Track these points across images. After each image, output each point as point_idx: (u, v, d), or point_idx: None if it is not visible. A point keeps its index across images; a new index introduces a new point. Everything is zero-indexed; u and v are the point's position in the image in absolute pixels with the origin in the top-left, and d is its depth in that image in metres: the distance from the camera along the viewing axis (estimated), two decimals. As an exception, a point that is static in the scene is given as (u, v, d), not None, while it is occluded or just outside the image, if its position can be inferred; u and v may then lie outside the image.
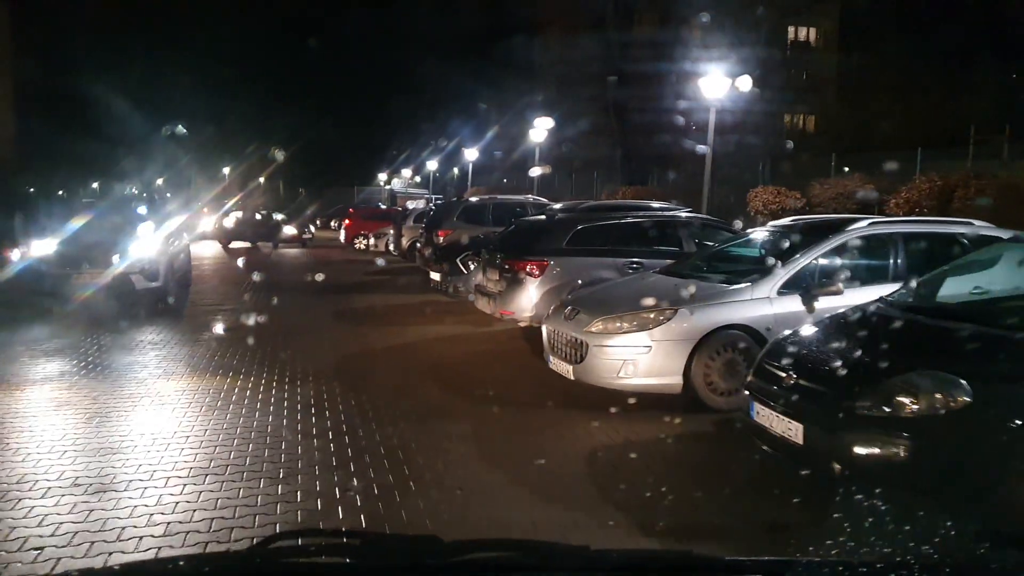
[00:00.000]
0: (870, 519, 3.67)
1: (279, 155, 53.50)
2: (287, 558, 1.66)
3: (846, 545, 3.44)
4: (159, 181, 52.60)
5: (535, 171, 28.50)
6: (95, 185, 46.88)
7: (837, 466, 3.91)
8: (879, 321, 4.59)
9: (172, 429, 5.93)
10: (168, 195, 45.66)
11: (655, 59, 32.84)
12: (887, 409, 3.80)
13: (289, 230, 29.37)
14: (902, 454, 3.69)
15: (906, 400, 3.77)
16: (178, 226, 14.75)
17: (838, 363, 4.22)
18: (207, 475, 4.96)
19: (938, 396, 3.72)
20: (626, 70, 32.97)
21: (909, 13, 33.11)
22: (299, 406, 6.62)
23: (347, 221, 29.35)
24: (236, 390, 7.13)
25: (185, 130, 49.65)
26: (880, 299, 5.11)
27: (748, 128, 28.66)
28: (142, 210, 14.46)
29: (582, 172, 34.38)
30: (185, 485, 4.77)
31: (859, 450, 3.82)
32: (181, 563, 1.69)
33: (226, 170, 57.06)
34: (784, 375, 4.43)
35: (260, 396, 6.93)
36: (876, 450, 3.77)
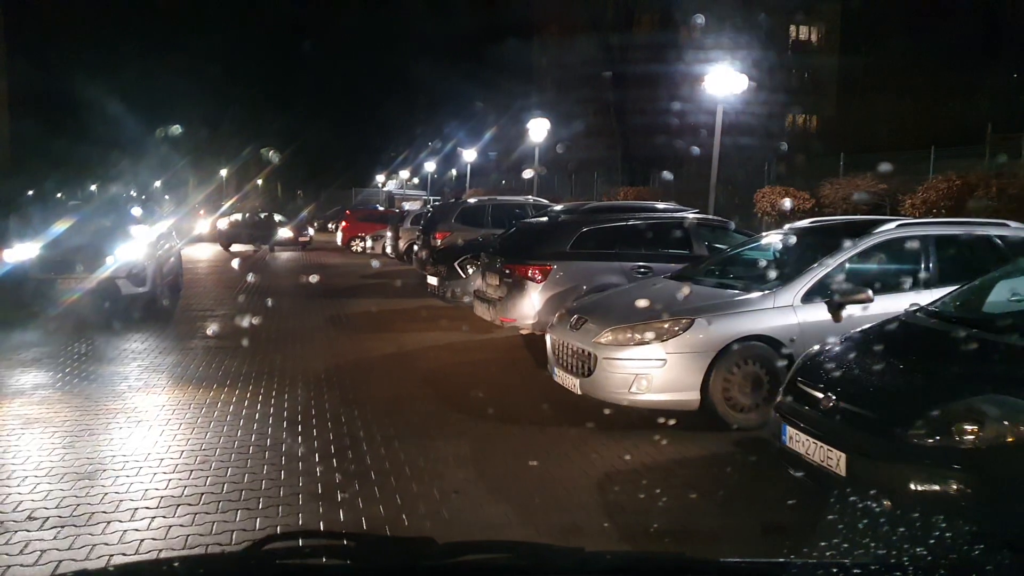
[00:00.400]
0: (864, 521, 3.55)
1: (275, 157, 53.03)
2: (282, 559, 1.64)
3: (840, 547, 3.36)
4: (157, 183, 52.06)
5: (527, 173, 28.01)
6: (93, 188, 46.31)
7: (887, 502, 3.43)
8: (926, 335, 4.11)
9: (146, 450, 5.46)
10: (166, 197, 45.19)
11: (656, 60, 32.47)
12: (946, 439, 3.32)
13: (285, 232, 28.65)
14: (966, 491, 3.22)
15: (969, 429, 3.29)
16: (168, 228, 14.26)
17: (885, 383, 3.75)
18: (179, 505, 4.48)
19: (1007, 424, 3.25)
20: (627, 71, 32.59)
21: (914, 12, 32.70)
22: (285, 423, 6.15)
23: (344, 223, 28.85)
24: (219, 404, 6.66)
25: (181, 130, 49.10)
26: (921, 309, 4.64)
27: (751, 129, 28.25)
28: (136, 211, 13.97)
29: (582, 173, 33.94)
30: (154, 518, 4.30)
31: (914, 485, 3.34)
32: (176, 564, 1.67)
33: (223, 172, 56.59)
34: (821, 396, 3.95)
35: (244, 411, 6.45)
36: (934, 486, 3.29)
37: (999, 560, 2.12)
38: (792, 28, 43.67)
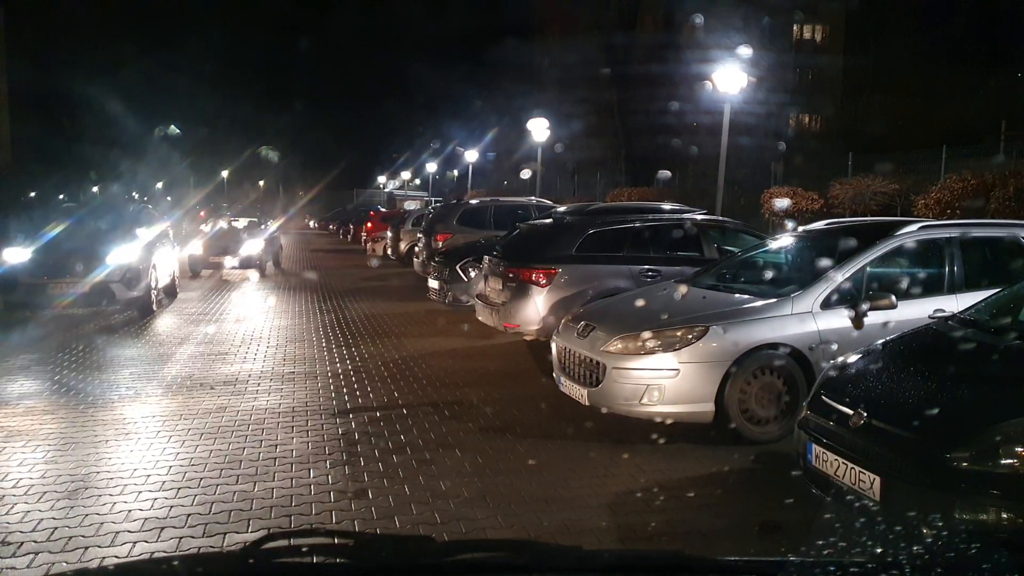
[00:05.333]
0: (861, 519, 3.52)
1: (274, 157, 52.89)
2: (281, 558, 1.64)
3: (837, 545, 3.09)
4: (158, 185, 51.85)
5: (526, 173, 27.69)
6: (95, 189, 46.12)
7: (927, 531, 3.14)
8: (964, 345, 3.82)
9: (133, 465, 5.19)
10: (168, 199, 44.95)
11: (658, 59, 32.21)
12: (999, 462, 3.03)
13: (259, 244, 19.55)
14: (1020, 523, 2.93)
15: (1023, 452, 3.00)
16: (164, 231, 13.96)
17: (922, 399, 3.45)
18: (163, 527, 4.20)
19: (1065, 448, 2.96)
20: (628, 71, 32.32)
21: (918, 10, 32.42)
22: (276, 436, 5.87)
23: (368, 224, 27.57)
24: (212, 415, 6.40)
25: (180, 131, 48.86)
26: (953, 317, 4.35)
27: (755, 128, 27.99)
28: (132, 214, 13.70)
29: (584, 173, 33.67)
30: (135, 543, 4.02)
31: (960, 515, 3.05)
32: (175, 563, 1.67)
33: (224, 173, 56.44)
34: (851, 412, 3.66)
35: (238, 421, 6.18)
36: (983, 516, 3.00)
37: (996, 559, 2.08)
38: (795, 27, 43.42)
